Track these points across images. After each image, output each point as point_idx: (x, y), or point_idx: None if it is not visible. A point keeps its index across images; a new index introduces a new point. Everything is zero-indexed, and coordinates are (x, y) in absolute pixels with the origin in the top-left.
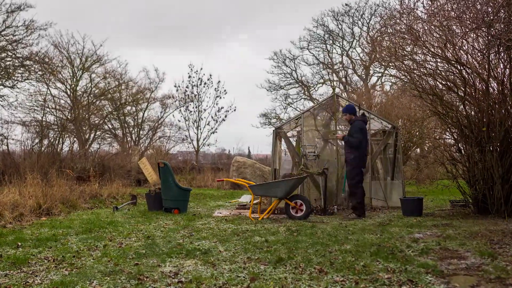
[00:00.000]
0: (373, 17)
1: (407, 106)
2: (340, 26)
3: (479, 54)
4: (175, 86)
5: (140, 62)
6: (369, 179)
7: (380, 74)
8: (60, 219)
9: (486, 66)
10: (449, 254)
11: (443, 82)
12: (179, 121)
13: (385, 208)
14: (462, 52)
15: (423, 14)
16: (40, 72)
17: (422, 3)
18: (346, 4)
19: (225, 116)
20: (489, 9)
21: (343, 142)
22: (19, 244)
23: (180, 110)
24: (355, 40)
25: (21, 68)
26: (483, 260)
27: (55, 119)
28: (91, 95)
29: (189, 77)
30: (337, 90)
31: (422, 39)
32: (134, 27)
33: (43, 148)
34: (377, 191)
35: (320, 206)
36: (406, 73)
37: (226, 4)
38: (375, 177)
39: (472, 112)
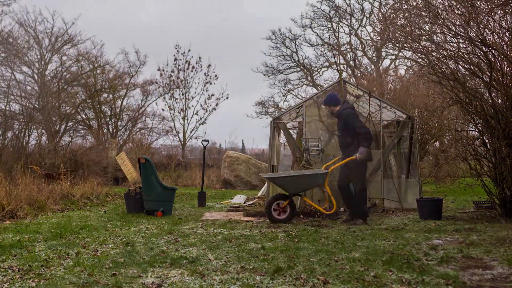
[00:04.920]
0: None
1: (425, 94)
2: (348, 1)
3: (507, 33)
4: (158, 70)
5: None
6: (381, 177)
7: (393, 57)
8: (26, 223)
9: None
10: (472, 263)
11: (466, 66)
12: (163, 110)
13: (399, 210)
14: (487, 31)
15: None
16: (3, 54)
17: None
18: None
19: (216, 105)
20: None
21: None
22: None
23: (164, 97)
24: (365, 18)
25: None
26: (511, 270)
27: (21, 108)
28: (62, 81)
29: (175, 60)
30: (344, 74)
31: (442, 16)
32: None
33: (6, 142)
34: (390, 191)
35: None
36: (423, 56)
37: None
38: (388, 174)
39: (499, 100)
